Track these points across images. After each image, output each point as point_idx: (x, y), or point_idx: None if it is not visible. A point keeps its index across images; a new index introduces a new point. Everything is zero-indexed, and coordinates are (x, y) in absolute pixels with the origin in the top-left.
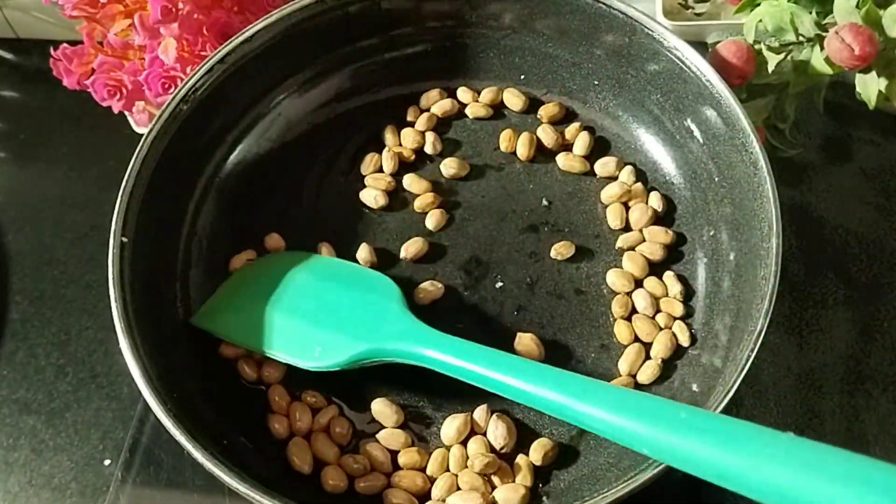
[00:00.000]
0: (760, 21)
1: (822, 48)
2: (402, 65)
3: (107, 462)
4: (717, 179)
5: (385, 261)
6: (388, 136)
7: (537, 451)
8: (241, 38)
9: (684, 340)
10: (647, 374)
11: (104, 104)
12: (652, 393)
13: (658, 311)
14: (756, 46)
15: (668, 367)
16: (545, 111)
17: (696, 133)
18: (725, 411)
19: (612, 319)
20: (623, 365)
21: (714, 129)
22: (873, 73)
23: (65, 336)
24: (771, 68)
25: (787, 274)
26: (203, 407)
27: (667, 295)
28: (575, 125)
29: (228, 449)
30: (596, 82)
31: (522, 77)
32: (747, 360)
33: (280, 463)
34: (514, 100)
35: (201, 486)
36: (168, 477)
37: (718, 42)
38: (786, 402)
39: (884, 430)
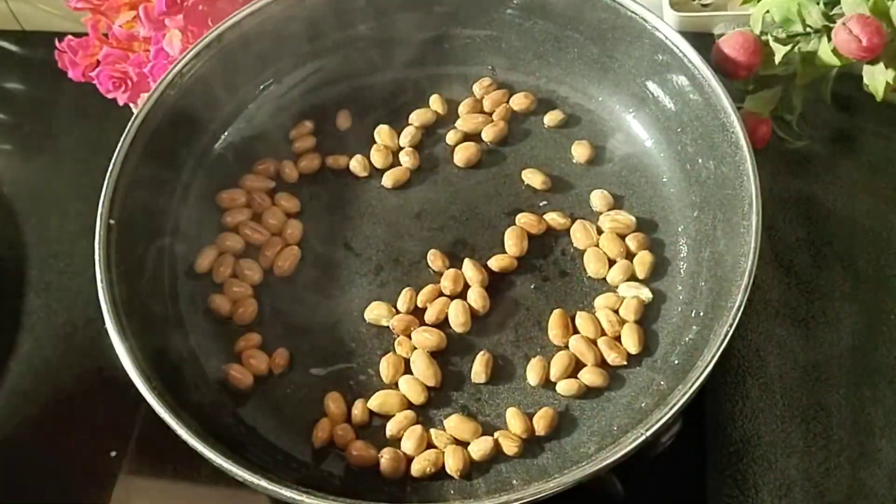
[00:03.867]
0: (767, 12)
1: (829, 39)
2: (390, 52)
3: (113, 453)
4: (700, 161)
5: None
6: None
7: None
8: (228, 24)
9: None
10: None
11: (109, 96)
12: (633, 369)
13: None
14: (763, 38)
15: (651, 341)
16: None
17: (680, 114)
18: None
19: (593, 299)
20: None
21: (696, 111)
22: (881, 65)
23: (71, 328)
24: (778, 60)
25: (794, 266)
26: (192, 387)
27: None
28: (557, 110)
29: (216, 429)
30: (580, 66)
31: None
32: (726, 336)
33: (271, 444)
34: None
35: (207, 476)
36: (174, 468)
37: (725, 33)
38: (792, 394)
39: (890, 422)
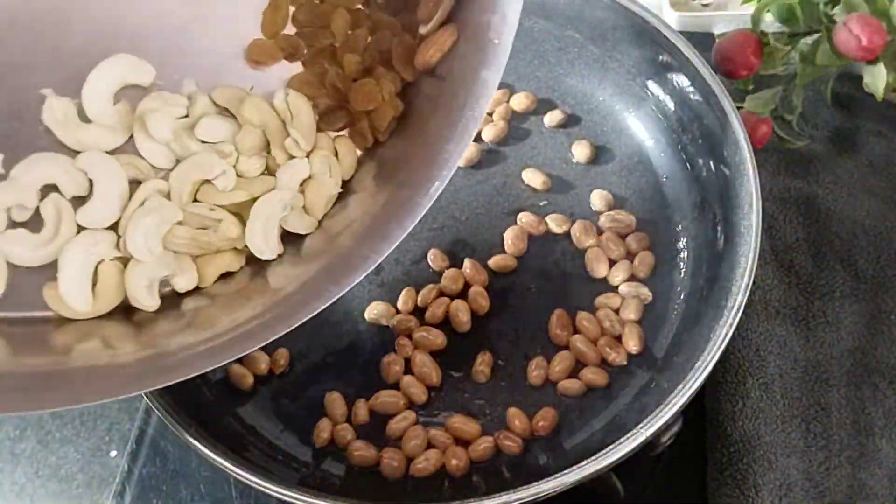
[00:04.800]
0: (768, 11)
1: (829, 39)
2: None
3: (113, 453)
4: (700, 161)
5: None
6: None
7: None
8: None
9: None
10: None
11: None
12: (634, 369)
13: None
14: (763, 38)
15: (651, 341)
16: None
17: (680, 114)
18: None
19: (593, 299)
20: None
21: (696, 111)
22: (881, 65)
23: None
24: (778, 59)
25: (794, 266)
26: (192, 387)
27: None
28: (557, 110)
29: (216, 429)
30: (580, 66)
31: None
32: (726, 336)
33: (271, 444)
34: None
35: (207, 476)
36: (174, 468)
37: (725, 33)
38: (792, 393)
39: (890, 422)
